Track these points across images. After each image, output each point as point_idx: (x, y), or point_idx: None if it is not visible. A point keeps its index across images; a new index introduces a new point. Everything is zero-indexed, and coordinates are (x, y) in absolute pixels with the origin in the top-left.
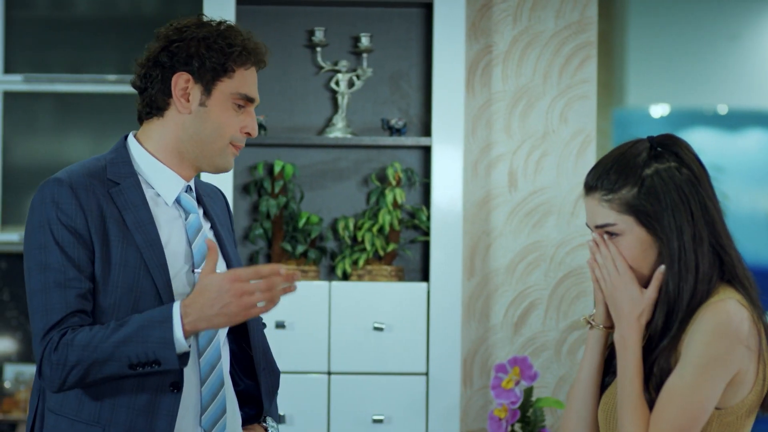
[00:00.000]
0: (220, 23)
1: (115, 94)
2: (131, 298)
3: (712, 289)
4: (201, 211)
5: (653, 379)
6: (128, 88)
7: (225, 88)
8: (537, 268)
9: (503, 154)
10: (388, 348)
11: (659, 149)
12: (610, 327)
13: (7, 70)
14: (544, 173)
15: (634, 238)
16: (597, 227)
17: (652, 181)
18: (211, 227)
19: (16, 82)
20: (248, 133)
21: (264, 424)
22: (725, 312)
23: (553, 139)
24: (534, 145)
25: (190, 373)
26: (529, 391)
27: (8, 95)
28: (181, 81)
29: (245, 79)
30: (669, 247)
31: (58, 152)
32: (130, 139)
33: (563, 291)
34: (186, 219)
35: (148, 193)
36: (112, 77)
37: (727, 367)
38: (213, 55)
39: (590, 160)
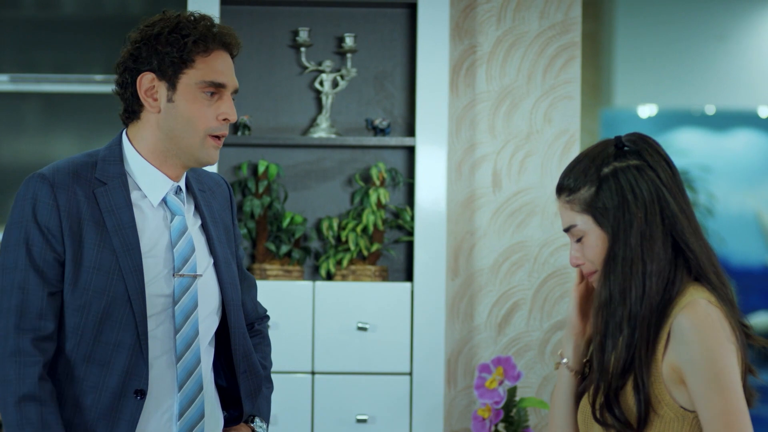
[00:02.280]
0: (179, 15)
1: (101, 94)
2: (103, 301)
3: (679, 289)
4: (192, 207)
5: (625, 395)
6: (110, 88)
7: (188, 79)
8: (521, 268)
9: (487, 155)
10: (371, 348)
11: (625, 148)
12: (581, 372)
13: None
14: (528, 174)
15: (595, 238)
16: (565, 231)
17: (609, 179)
18: (201, 225)
19: (3, 82)
20: (226, 119)
21: (251, 425)
22: (700, 315)
23: (537, 139)
24: (518, 145)
25: (165, 379)
26: (512, 391)
27: None
28: (145, 81)
29: (209, 66)
30: (612, 247)
31: (44, 152)
32: (124, 136)
33: (547, 291)
34: (171, 221)
35: (135, 194)
36: (98, 77)
37: (735, 365)
38: (169, 49)
39: None
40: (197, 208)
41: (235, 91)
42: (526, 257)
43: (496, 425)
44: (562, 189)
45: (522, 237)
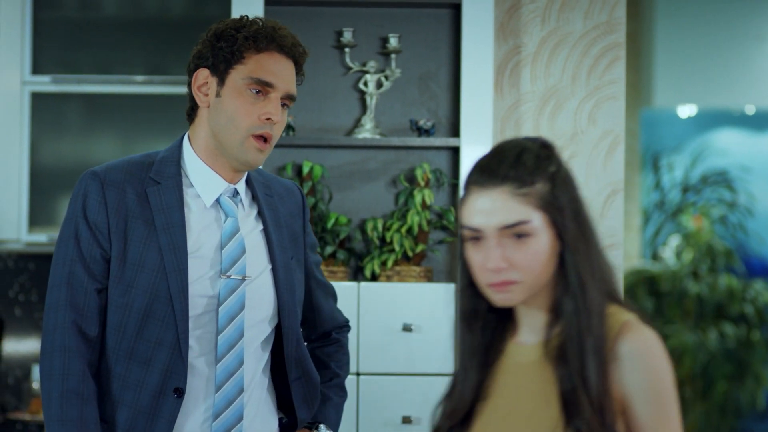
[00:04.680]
0: (245, 17)
1: (142, 94)
2: (145, 299)
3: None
4: (255, 212)
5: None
6: (156, 89)
7: (237, 74)
8: None
9: None
10: (416, 348)
11: (546, 149)
12: None
13: (35, 71)
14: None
15: (546, 240)
16: (505, 227)
17: (557, 178)
18: (263, 229)
19: (44, 83)
20: (269, 119)
21: (315, 431)
22: (649, 340)
23: (581, 140)
24: (562, 146)
25: (204, 379)
26: None
27: (36, 96)
28: (200, 77)
29: (260, 64)
30: (567, 256)
31: (85, 153)
32: (186, 137)
33: None
34: (224, 222)
35: (189, 194)
36: (139, 78)
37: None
38: (223, 44)
39: (619, 161)
40: (260, 213)
41: (290, 98)
42: None
43: None
44: (507, 178)
45: None
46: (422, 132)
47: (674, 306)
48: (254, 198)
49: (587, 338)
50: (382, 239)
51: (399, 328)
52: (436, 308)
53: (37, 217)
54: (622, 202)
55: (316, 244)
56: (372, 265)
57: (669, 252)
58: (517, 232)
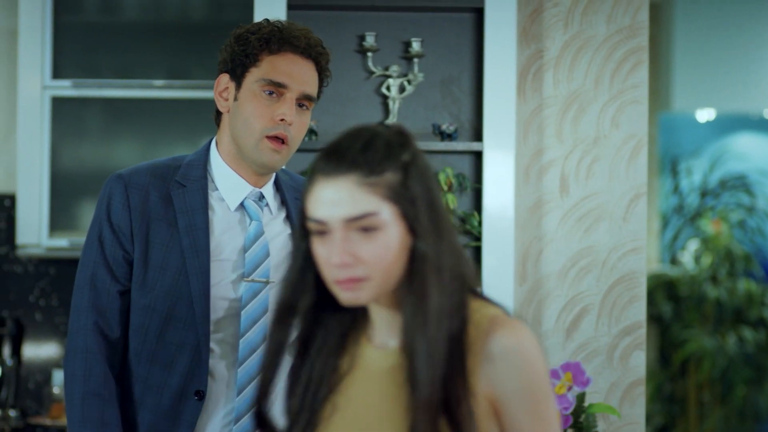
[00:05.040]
0: (264, 20)
1: (163, 99)
2: (167, 301)
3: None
4: (282, 215)
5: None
6: (176, 93)
7: (251, 77)
8: (589, 273)
9: (555, 160)
10: None
11: (400, 136)
12: None
13: (56, 75)
14: (596, 178)
15: (395, 234)
16: (351, 220)
17: (411, 168)
18: (291, 233)
19: (65, 88)
20: (283, 120)
21: None
22: (523, 337)
23: (604, 144)
24: (585, 150)
25: (225, 382)
26: (581, 397)
27: (57, 100)
28: (222, 82)
29: (273, 65)
30: (419, 251)
31: (106, 158)
32: (213, 141)
33: (615, 296)
34: (248, 226)
35: (213, 198)
36: (160, 82)
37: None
38: (238, 48)
39: (642, 165)
40: (288, 217)
41: (307, 98)
42: (594, 262)
43: (564, 431)
44: (354, 166)
45: (590, 242)
46: (445, 136)
47: (693, 310)
48: (283, 202)
49: (419, 340)
50: None
51: None
52: None
53: (57, 222)
54: (645, 206)
55: None
56: None
57: (688, 256)
58: (363, 225)
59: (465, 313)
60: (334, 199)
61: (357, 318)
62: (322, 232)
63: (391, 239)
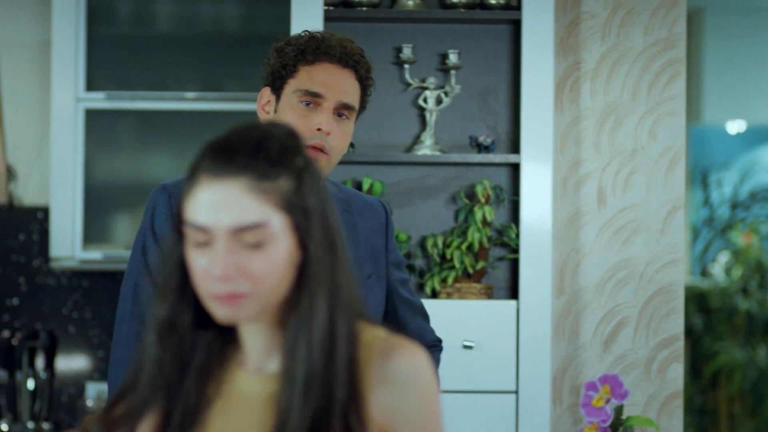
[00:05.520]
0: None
1: (196, 111)
2: None
3: None
4: None
5: None
6: (210, 105)
7: (289, 89)
8: (626, 285)
9: (592, 171)
10: (477, 366)
11: (294, 138)
12: None
13: (89, 87)
14: (633, 190)
15: (285, 247)
16: (238, 229)
17: (305, 174)
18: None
19: (98, 100)
20: (320, 129)
21: None
22: (420, 361)
23: (641, 156)
24: (623, 162)
25: None
26: (619, 410)
27: (90, 113)
28: (264, 96)
29: (309, 75)
30: (317, 268)
31: (140, 170)
32: None
33: (653, 308)
34: None
35: None
36: (194, 95)
37: None
38: (278, 60)
39: (680, 177)
40: None
41: (345, 107)
42: (631, 274)
43: None
44: (246, 169)
45: (627, 254)
46: (482, 148)
47: (723, 323)
48: None
49: (300, 365)
50: (442, 256)
51: (459, 345)
52: (496, 325)
53: (91, 234)
54: (682, 218)
55: (401, 261)
56: (432, 282)
57: (718, 268)
58: (252, 236)
59: (356, 335)
60: (220, 203)
61: (223, 339)
62: (203, 240)
63: (280, 253)
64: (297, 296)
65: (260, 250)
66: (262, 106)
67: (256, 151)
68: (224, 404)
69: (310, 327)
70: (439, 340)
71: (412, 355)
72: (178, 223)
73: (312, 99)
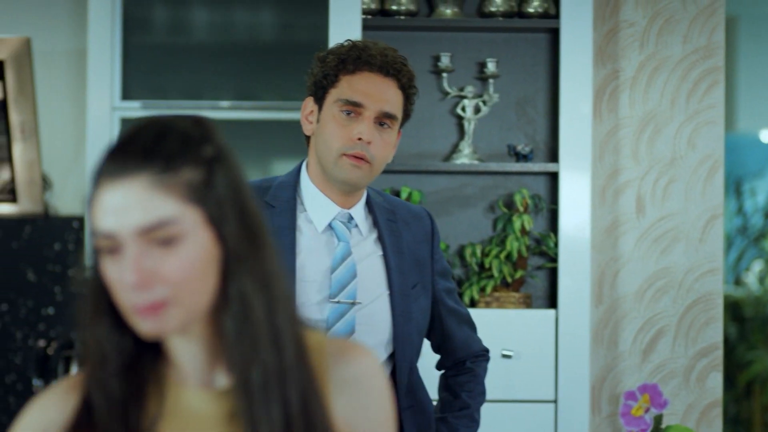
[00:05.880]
0: (347, 41)
1: (232, 120)
2: None
3: None
4: (374, 237)
5: None
6: (245, 114)
7: (330, 98)
8: (665, 294)
9: (631, 180)
10: (516, 375)
11: (200, 127)
12: None
13: (125, 96)
14: (672, 199)
15: (201, 243)
16: (144, 230)
17: (217, 163)
18: (383, 254)
19: (134, 109)
20: (360, 139)
21: None
22: (374, 362)
23: (680, 164)
24: (661, 170)
25: None
26: (658, 419)
27: (126, 122)
28: (307, 106)
29: (350, 85)
30: (239, 262)
31: None
32: (304, 163)
33: (692, 317)
34: (336, 247)
35: (302, 219)
36: (226, 103)
37: None
38: (320, 70)
39: (718, 186)
40: (380, 238)
41: (386, 116)
42: (670, 283)
43: None
44: (144, 165)
45: (666, 263)
46: (520, 157)
47: (757, 331)
48: (375, 223)
49: (251, 377)
50: (481, 265)
51: (498, 355)
52: (535, 335)
53: None
54: (721, 227)
55: (447, 270)
56: (471, 291)
57: (752, 277)
58: (161, 235)
59: (300, 329)
60: (122, 205)
61: (153, 356)
62: (113, 248)
63: (196, 249)
64: (225, 297)
65: (172, 249)
66: (306, 116)
67: (154, 146)
68: (176, 425)
69: (250, 327)
70: (486, 350)
71: (367, 357)
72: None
73: (353, 108)
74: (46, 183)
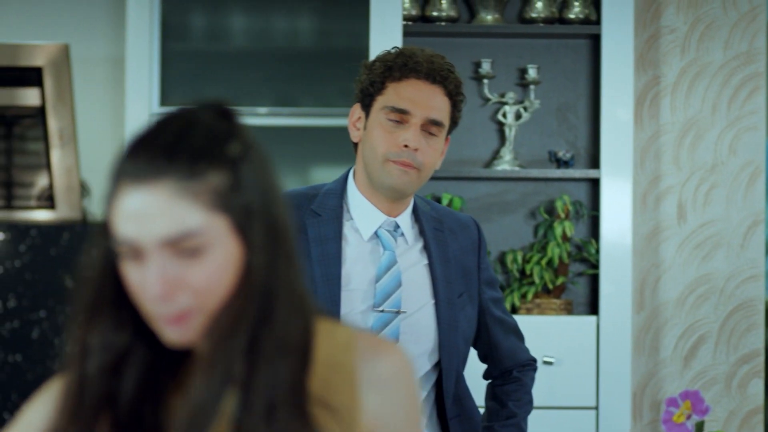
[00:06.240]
0: (394, 48)
1: (270, 126)
2: None
3: None
4: (419, 246)
5: None
6: (284, 121)
7: (377, 105)
8: (707, 301)
9: (672, 186)
10: (557, 382)
11: (225, 120)
12: None
13: (163, 102)
14: (714, 205)
15: (227, 251)
16: (169, 241)
17: (243, 164)
18: (428, 263)
19: None
20: (407, 146)
21: None
22: (403, 360)
23: (722, 170)
24: (703, 177)
25: None
26: (700, 425)
27: None
28: (355, 113)
29: (397, 92)
30: (269, 273)
31: None
32: (351, 171)
33: (733, 324)
34: (381, 255)
35: (347, 227)
36: (264, 110)
37: None
38: (367, 77)
39: (760, 192)
40: (426, 247)
41: (433, 123)
42: (711, 290)
43: None
44: (167, 168)
45: (708, 269)
46: (561, 163)
47: None
48: (421, 232)
49: (259, 383)
50: (522, 272)
51: (539, 361)
52: (576, 341)
53: None
54: (763, 233)
55: (494, 280)
56: (512, 298)
57: None
58: (186, 246)
59: (312, 336)
60: (145, 212)
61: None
62: (134, 254)
63: (221, 257)
64: (248, 299)
65: (197, 258)
66: (353, 122)
67: (177, 145)
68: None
69: (271, 330)
70: (533, 360)
71: (398, 355)
72: (105, 232)
73: (399, 116)
74: (84, 189)
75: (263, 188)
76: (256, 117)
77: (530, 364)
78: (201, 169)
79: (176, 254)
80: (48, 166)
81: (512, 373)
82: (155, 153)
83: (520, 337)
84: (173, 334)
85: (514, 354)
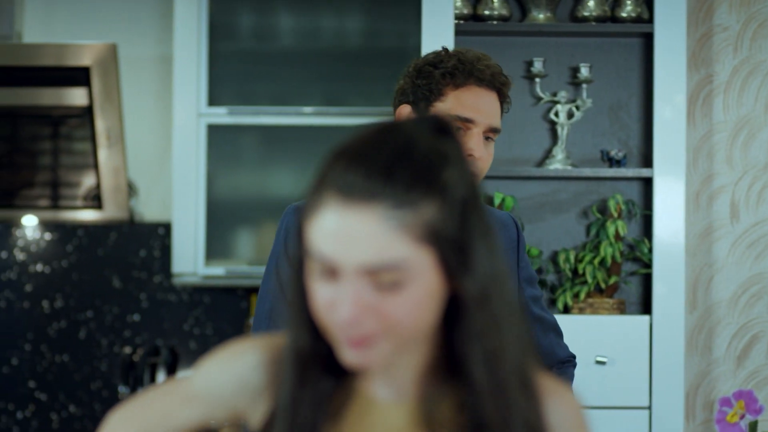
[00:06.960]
0: (443, 49)
1: (319, 126)
2: None
3: None
4: None
5: None
6: (332, 120)
7: (438, 111)
8: (760, 300)
9: (725, 186)
10: (610, 382)
11: (441, 140)
12: None
13: (211, 102)
14: (767, 204)
15: (426, 286)
16: (371, 269)
17: (462, 198)
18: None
19: (220, 115)
20: (470, 155)
21: None
22: (575, 402)
23: None
24: (756, 176)
25: None
26: (753, 426)
27: (212, 128)
28: (403, 113)
29: (459, 100)
30: (483, 312)
31: (262, 185)
32: None
33: None
34: None
35: None
36: (316, 109)
37: None
38: (422, 81)
39: None
40: None
41: (493, 131)
42: (765, 289)
43: None
44: (381, 193)
45: (761, 268)
46: (613, 163)
47: None
48: None
49: (513, 418)
50: (574, 271)
51: (592, 361)
52: (629, 341)
53: (213, 250)
54: None
55: (533, 278)
56: (564, 297)
57: None
58: (387, 278)
59: (532, 371)
60: (350, 233)
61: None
62: (328, 272)
63: (421, 292)
64: (465, 339)
65: (397, 291)
66: None
67: (394, 166)
68: None
69: (489, 376)
70: (573, 356)
71: (573, 399)
72: (301, 246)
73: (462, 124)
74: (131, 189)
75: (476, 218)
76: (305, 117)
77: (570, 361)
78: (415, 198)
79: (374, 283)
80: (95, 166)
81: (551, 371)
82: (371, 172)
83: (559, 334)
84: (354, 356)
85: (554, 352)
